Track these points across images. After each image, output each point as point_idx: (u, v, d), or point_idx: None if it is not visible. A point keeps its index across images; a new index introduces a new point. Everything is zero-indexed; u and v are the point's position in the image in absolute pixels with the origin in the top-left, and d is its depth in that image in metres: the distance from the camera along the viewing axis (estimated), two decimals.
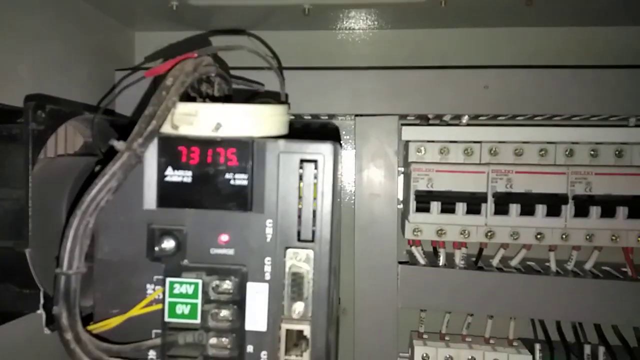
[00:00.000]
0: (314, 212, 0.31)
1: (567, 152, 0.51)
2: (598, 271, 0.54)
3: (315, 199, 0.31)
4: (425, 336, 0.57)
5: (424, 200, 0.51)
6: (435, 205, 0.51)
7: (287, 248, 0.31)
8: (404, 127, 0.54)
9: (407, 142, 0.54)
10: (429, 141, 0.53)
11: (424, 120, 0.57)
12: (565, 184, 0.49)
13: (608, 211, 0.49)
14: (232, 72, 0.43)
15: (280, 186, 0.31)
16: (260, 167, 0.31)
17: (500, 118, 0.54)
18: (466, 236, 0.53)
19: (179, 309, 0.30)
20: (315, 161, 0.31)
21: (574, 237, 0.51)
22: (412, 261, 0.57)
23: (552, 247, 0.53)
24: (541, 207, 0.50)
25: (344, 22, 0.58)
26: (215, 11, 0.54)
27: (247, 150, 0.30)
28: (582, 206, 0.49)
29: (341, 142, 0.53)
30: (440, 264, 0.55)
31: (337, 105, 0.53)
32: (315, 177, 0.31)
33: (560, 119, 0.53)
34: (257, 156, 0.31)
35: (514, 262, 0.55)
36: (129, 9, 0.56)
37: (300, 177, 0.31)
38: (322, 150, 0.31)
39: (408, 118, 0.57)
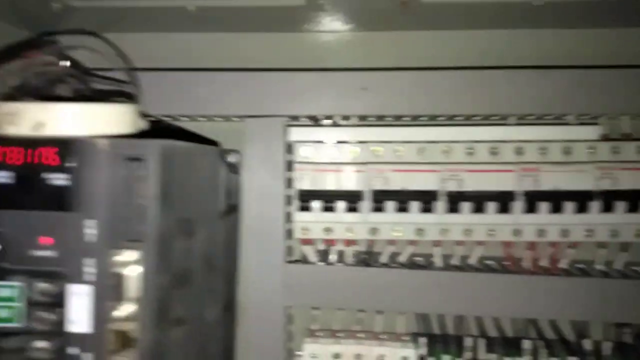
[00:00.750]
0: (142, 211, 0.31)
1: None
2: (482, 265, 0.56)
3: (143, 198, 0.31)
4: (319, 334, 0.58)
5: (306, 199, 0.51)
6: (317, 204, 0.52)
7: (113, 248, 0.30)
8: (291, 128, 0.54)
9: (294, 142, 0.55)
10: (315, 142, 0.54)
11: (314, 121, 0.58)
12: (437, 182, 0.51)
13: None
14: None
15: (106, 186, 0.31)
16: (85, 167, 0.30)
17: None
18: (352, 233, 0.54)
19: (0, 313, 0.30)
20: (141, 160, 0.30)
21: (452, 234, 0.53)
22: (305, 260, 0.58)
23: (436, 243, 0.55)
24: (416, 204, 0.51)
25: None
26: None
27: (68, 149, 0.30)
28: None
29: (216, 143, 0.53)
30: (331, 262, 0.56)
31: (227, 107, 0.53)
32: (143, 177, 0.31)
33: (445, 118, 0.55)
34: (82, 156, 0.30)
35: (402, 258, 0.57)
36: None
37: (127, 177, 0.31)
38: (148, 149, 0.31)
39: (301, 119, 0.58)
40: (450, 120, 0.56)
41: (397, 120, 0.56)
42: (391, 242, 0.56)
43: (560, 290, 0.52)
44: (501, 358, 0.52)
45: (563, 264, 0.55)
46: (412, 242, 0.56)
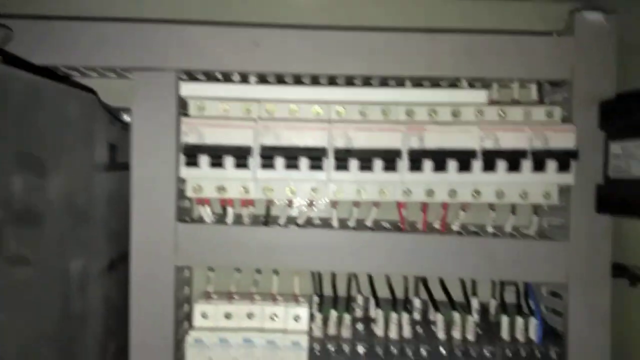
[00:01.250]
0: None
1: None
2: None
3: None
4: (214, 296, 0.57)
5: (192, 154, 0.50)
6: (204, 160, 0.51)
7: None
8: (182, 83, 0.53)
9: (186, 98, 0.54)
10: (207, 98, 0.53)
11: (208, 77, 0.57)
12: (326, 139, 0.51)
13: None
14: None
15: None
16: None
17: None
18: (247, 192, 0.54)
19: None
20: None
21: (344, 194, 0.53)
22: (197, 220, 0.57)
23: (332, 204, 0.56)
24: (305, 160, 0.51)
25: None
26: None
27: None
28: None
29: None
30: (226, 222, 0.55)
31: (112, 58, 0.52)
32: None
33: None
34: None
35: (300, 221, 0.57)
36: None
37: None
38: None
39: (198, 75, 0.57)
40: (349, 81, 0.56)
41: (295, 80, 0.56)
42: (289, 202, 0.56)
43: (450, 250, 0.53)
44: (388, 314, 0.53)
45: (455, 227, 0.57)
46: (310, 204, 0.57)
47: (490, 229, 0.57)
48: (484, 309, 0.56)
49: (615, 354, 0.53)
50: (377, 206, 0.56)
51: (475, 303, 0.55)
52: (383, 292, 0.57)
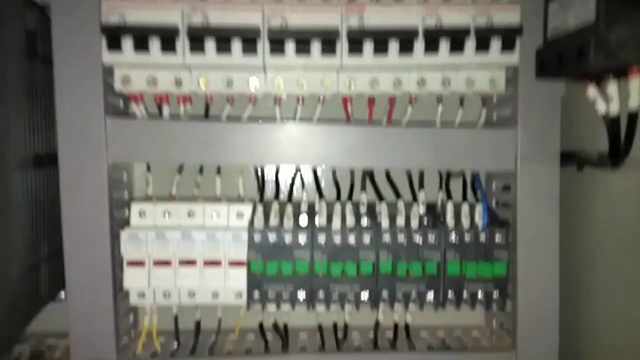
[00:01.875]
0: None
1: None
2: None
3: None
4: (154, 199, 0.55)
5: (114, 36, 0.47)
6: (128, 43, 0.47)
7: None
8: None
9: None
10: None
11: None
12: (261, 19, 0.48)
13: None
14: None
15: None
16: None
17: None
18: (180, 85, 0.51)
19: None
20: None
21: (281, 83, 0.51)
22: (128, 114, 0.55)
23: (277, 100, 0.54)
24: (237, 43, 0.48)
25: None
26: None
27: None
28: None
29: None
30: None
31: None
32: None
33: None
34: None
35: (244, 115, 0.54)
36: None
37: None
38: None
39: None
40: None
41: None
42: (228, 99, 0.54)
43: (397, 141, 0.52)
44: (332, 206, 0.52)
45: (404, 121, 0.55)
46: (251, 99, 0.54)
47: (438, 124, 0.55)
48: (430, 206, 0.55)
49: (565, 241, 0.53)
50: (321, 102, 0.54)
51: (421, 195, 0.54)
52: (329, 191, 0.56)
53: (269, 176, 0.56)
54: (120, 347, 0.53)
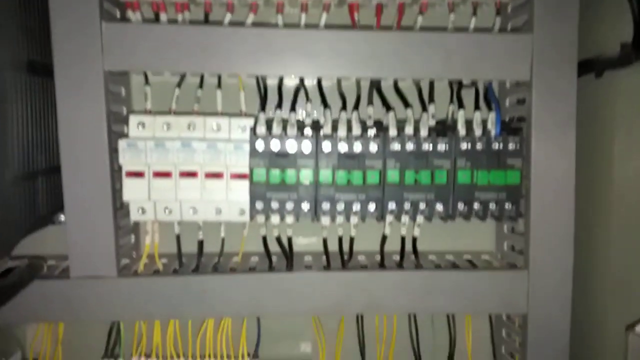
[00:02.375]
0: None
1: None
2: None
3: None
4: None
5: None
6: None
7: None
8: None
9: None
10: None
11: None
12: None
13: None
14: None
15: None
16: None
17: None
18: None
19: None
20: None
21: None
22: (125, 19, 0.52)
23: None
24: None
25: None
26: None
27: None
28: None
29: None
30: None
31: None
32: None
33: None
34: None
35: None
36: None
37: None
38: None
39: None
40: None
41: None
42: (229, 5, 0.51)
43: (405, 47, 0.49)
44: (338, 117, 0.50)
45: (416, 27, 0.52)
46: (252, 7, 0.51)
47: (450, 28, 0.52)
48: (440, 121, 0.52)
49: (581, 153, 0.51)
50: (326, 10, 0.51)
51: (431, 108, 0.51)
52: (335, 105, 0.53)
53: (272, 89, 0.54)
54: (120, 266, 0.52)
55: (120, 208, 0.52)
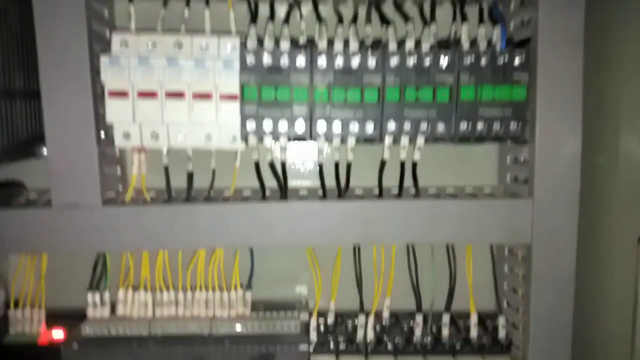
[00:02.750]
0: None
1: None
2: None
3: None
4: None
5: None
6: None
7: None
8: None
9: None
10: None
11: None
12: None
13: None
14: None
15: None
16: None
17: None
18: None
19: None
20: None
21: None
22: None
23: None
24: None
25: None
26: None
27: None
28: None
29: None
30: None
31: None
32: None
33: None
34: None
35: None
36: None
37: None
38: None
39: None
40: None
41: None
42: None
43: None
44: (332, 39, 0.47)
45: None
46: None
47: None
48: (442, 41, 0.49)
49: (589, 76, 0.48)
50: None
51: (433, 27, 0.48)
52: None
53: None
54: (105, 197, 0.49)
55: (104, 136, 0.50)
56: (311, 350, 0.53)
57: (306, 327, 0.52)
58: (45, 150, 0.54)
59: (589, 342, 0.57)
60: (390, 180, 0.51)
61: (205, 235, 0.49)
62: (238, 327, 0.49)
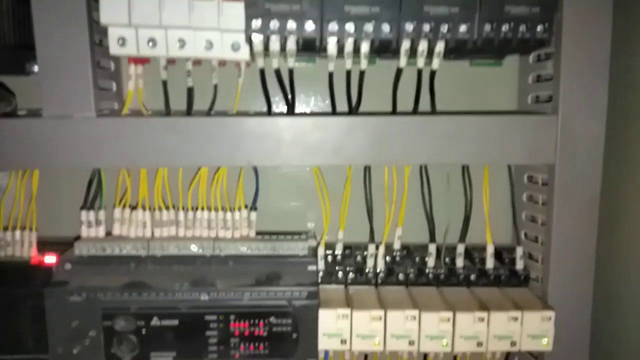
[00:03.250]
0: None
1: None
2: None
3: None
4: None
5: None
6: None
7: None
8: None
9: None
10: None
11: None
12: None
13: None
14: None
15: None
16: None
17: None
18: None
19: None
20: None
21: None
22: None
23: None
24: None
25: None
26: None
27: None
28: None
29: None
30: None
31: None
32: None
33: None
34: None
35: None
36: None
37: None
38: None
39: None
40: None
41: None
42: None
43: None
44: None
45: None
46: None
47: None
48: None
49: None
50: None
51: None
52: None
53: None
54: (99, 106, 0.46)
55: (99, 44, 0.46)
56: (319, 279, 0.51)
57: (314, 251, 0.49)
58: (36, 67, 0.51)
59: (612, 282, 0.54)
60: (406, 105, 0.48)
61: (206, 152, 0.45)
62: (243, 248, 0.46)
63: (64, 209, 0.53)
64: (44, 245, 0.50)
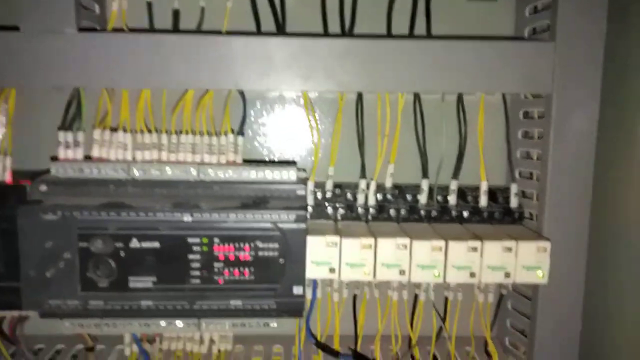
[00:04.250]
0: None
1: None
2: None
3: None
4: None
5: None
6: None
7: None
8: None
9: None
10: None
11: None
12: None
13: None
14: None
15: None
16: None
17: None
18: None
19: None
20: None
21: None
22: None
23: None
24: None
25: None
26: None
27: None
28: None
29: None
30: None
31: None
32: None
33: None
34: None
35: None
36: None
37: None
38: None
39: None
40: None
41: None
42: None
43: None
44: None
45: None
46: None
47: None
48: None
49: None
50: None
51: None
52: None
53: None
54: (81, 22, 0.44)
55: None
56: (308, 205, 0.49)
57: (303, 180, 0.47)
58: None
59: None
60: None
61: (192, 73, 0.43)
62: (229, 172, 0.44)
63: (42, 135, 0.51)
64: (20, 176, 0.48)
